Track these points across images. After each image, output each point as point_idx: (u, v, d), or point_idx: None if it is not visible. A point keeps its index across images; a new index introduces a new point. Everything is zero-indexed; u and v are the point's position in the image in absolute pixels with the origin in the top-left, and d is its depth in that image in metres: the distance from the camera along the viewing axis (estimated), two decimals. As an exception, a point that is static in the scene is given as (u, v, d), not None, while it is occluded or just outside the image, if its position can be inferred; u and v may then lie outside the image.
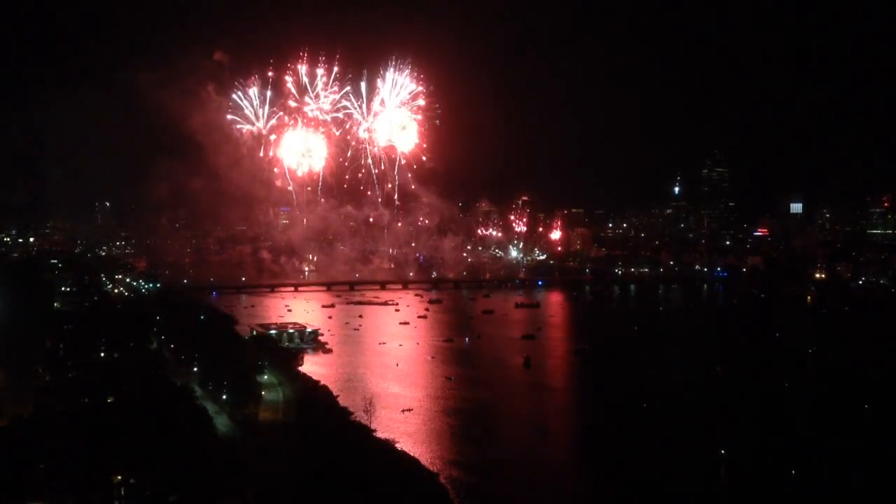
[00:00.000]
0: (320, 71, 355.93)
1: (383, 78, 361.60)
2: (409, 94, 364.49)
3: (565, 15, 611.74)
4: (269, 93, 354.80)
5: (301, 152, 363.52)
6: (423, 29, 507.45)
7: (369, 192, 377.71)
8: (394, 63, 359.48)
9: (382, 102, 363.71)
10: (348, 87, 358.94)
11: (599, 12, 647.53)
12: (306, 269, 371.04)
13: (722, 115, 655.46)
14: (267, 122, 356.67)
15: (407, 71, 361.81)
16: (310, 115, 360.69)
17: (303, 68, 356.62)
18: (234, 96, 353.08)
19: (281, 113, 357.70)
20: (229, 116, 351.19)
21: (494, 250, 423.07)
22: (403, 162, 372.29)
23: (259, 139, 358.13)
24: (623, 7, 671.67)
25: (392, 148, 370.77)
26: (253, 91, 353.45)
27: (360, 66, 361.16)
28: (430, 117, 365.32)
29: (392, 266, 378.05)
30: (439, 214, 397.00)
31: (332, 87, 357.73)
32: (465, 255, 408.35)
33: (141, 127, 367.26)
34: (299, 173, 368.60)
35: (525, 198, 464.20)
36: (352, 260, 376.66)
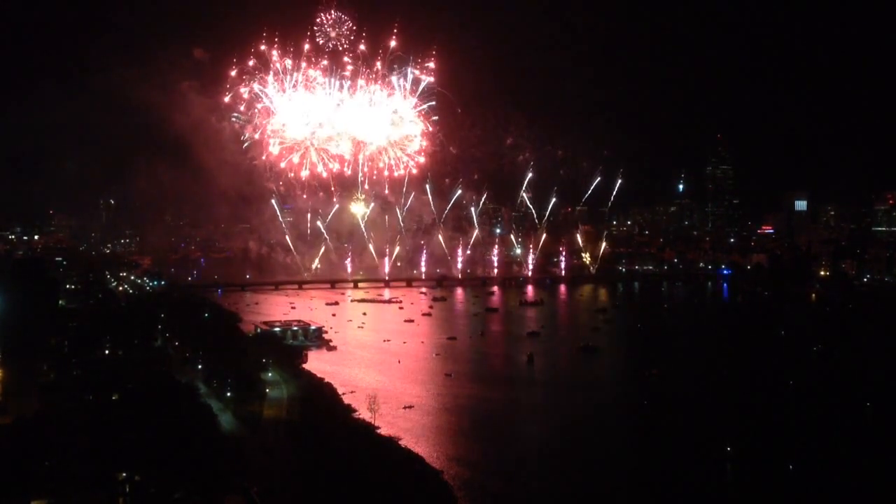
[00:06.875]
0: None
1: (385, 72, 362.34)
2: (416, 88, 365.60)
3: (565, 13, 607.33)
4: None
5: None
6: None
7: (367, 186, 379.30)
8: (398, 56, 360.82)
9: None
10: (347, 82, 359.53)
11: (600, 10, 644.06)
12: (314, 266, 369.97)
13: (727, 112, 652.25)
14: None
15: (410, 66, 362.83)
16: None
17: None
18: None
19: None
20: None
21: (496, 249, 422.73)
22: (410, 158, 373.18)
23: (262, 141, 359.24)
24: (626, 4, 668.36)
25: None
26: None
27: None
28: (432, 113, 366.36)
29: (397, 263, 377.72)
30: (443, 211, 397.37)
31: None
32: (469, 252, 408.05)
33: (143, 125, 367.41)
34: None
35: (529, 195, 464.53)
36: (352, 257, 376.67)
